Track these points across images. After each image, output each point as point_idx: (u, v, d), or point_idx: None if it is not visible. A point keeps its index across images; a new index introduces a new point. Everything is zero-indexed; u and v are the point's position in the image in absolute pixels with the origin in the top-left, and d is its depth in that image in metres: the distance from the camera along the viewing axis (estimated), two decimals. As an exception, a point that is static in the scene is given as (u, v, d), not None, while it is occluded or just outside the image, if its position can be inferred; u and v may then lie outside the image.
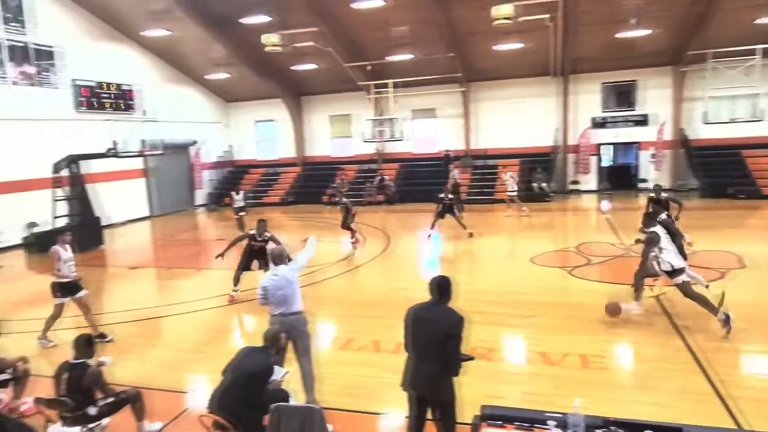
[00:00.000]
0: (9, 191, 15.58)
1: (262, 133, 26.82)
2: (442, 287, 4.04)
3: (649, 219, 7.53)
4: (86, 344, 4.82)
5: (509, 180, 18.00)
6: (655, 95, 20.94)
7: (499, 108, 22.40)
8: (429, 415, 4.15)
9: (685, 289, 6.95)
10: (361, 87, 22.09)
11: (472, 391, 5.42)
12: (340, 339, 7.39)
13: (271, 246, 8.69)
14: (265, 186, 24.89)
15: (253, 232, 9.45)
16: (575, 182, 22.16)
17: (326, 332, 7.97)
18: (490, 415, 3.80)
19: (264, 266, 9.20)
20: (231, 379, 4.31)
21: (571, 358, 6.29)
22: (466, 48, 19.87)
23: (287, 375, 5.14)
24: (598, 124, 21.72)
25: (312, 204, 22.30)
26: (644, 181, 21.51)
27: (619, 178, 22.31)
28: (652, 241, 7.01)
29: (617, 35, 17.70)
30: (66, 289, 7.68)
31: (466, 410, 4.80)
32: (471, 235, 13.71)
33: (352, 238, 13.95)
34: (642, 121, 21.25)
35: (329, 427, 4.08)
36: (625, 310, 7.32)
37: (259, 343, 4.54)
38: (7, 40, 15.85)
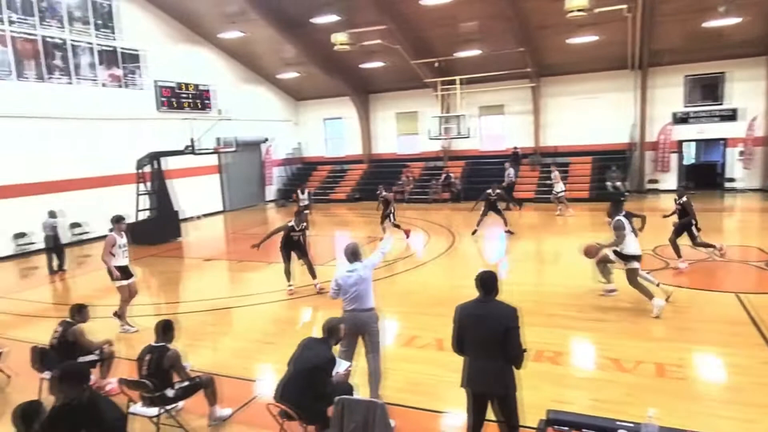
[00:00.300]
0: (98, 186, 16.80)
1: (330, 130, 27.34)
2: (490, 283, 4.03)
3: (615, 209, 8.09)
4: (166, 329, 5.13)
5: (555, 179, 17.74)
6: (744, 88, 19.43)
7: (571, 103, 21.62)
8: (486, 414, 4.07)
9: (632, 276, 7.66)
10: (428, 84, 22.00)
11: (538, 395, 5.29)
12: (404, 336, 7.41)
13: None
14: (332, 183, 25.36)
15: (292, 223, 9.70)
16: (653, 181, 21.00)
17: (390, 328, 8.01)
18: (556, 420, 3.70)
19: (302, 255, 9.76)
20: (294, 370, 4.44)
21: (646, 365, 5.98)
22: (537, 42, 19.31)
23: (351, 368, 5.23)
24: (680, 119, 20.44)
25: (378, 201, 22.46)
26: (732, 180, 20.08)
27: (703, 177, 20.92)
28: (619, 227, 7.67)
29: (703, 25, 16.57)
30: (123, 272, 8.22)
31: (531, 414, 4.69)
32: (511, 232, 13.65)
33: (406, 236, 13.95)
34: (730, 116, 19.79)
35: (391, 422, 4.10)
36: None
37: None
38: (98, 45, 17.07)
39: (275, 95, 25.84)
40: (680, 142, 20.72)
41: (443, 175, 22.18)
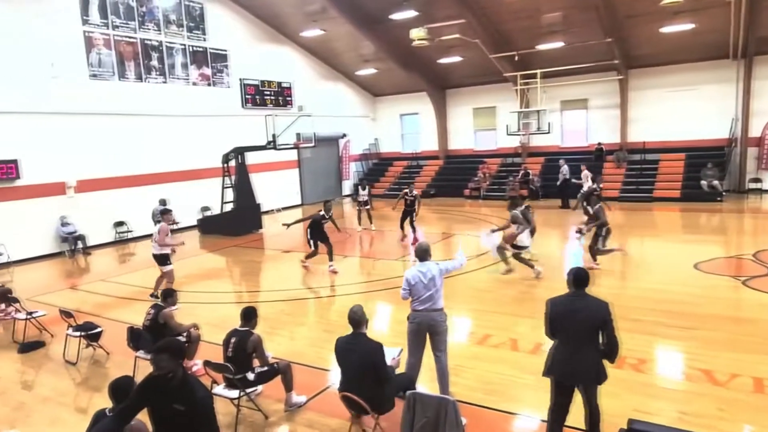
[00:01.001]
0: (188, 179, 17.89)
1: (407, 126, 27.42)
2: (584, 278, 4.27)
3: (512, 205, 10.08)
4: (250, 315, 5.40)
5: (585, 179, 17.21)
6: None
7: (662, 97, 20.28)
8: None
9: (516, 257, 9.84)
10: (507, 78, 21.48)
11: (618, 404, 5.04)
12: (477, 334, 7.30)
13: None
14: (407, 178, 25.42)
15: (322, 212, 11.17)
16: (756, 180, 19.28)
17: (464, 326, 7.94)
18: (638, 431, 3.52)
19: (325, 241, 11.15)
20: (353, 368, 4.55)
21: (742, 379, 5.52)
22: (625, 32, 18.27)
23: (402, 353, 5.39)
24: (790, 113, 18.62)
25: (453, 197, 22.30)
26: None
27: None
28: (516, 219, 9.61)
29: (820, 8, 15.00)
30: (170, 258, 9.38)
31: (611, 423, 4.49)
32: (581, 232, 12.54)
33: (413, 236, 13.87)
34: None
35: (463, 420, 4.06)
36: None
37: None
38: (190, 45, 18.12)
39: (353, 91, 26.26)
40: (789, 138, 18.88)
41: (521, 172, 21.59)
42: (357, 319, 4.64)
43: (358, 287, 10.08)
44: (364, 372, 4.48)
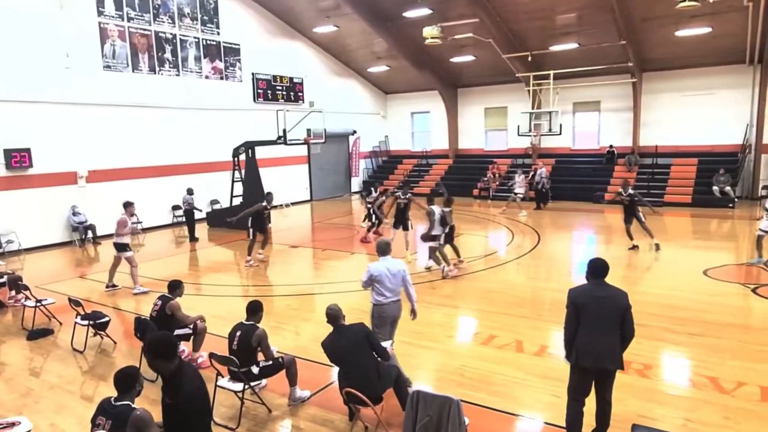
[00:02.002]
0: (199, 171, 17.98)
1: (417, 124, 27.36)
2: (603, 267, 4.44)
3: (429, 201, 10.56)
4: (256, 309, 5.44)
5: (520, 181, 18.29)
6: None
7: (675, 101, 20.09)
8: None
9: (432, 251, 10.24)
10: (520, 78, 21.36)
11: (623, 408, 5.02)
12: (483, 334, 7.28)
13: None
14: (417, 177, 25.38)
15: (264, 203, 11.53)
16: (768, 187, 19.07)
17: (469, 326, 7.93)
18: (642, 437, 3.50)
19: (263, 231, 11.77)
20: (351, 357, 4.69)
21: (749, 388, 5.47)
22: (640, 34, 18.11)
23: (392, 345, 5.57)
24: (805, 119, 18.37)
25: (462, 197, 22.23)
26: None
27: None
28: (430, 214, 10.04)
29: (839, 14, 14.78)
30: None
31: (615, 426, 4.47)
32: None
33: (366, 239, 13.82)
34: None
35: (465, 419, 4.06)
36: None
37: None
38: (203, 39, 18.19)
39: (364, 88, 26.24)
40: (804, 145, 18.63)
41: (531, 173, 21.48)
42: (335, 315, 4.93)
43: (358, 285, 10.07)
44: (360, 352, 4.67)
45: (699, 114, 19.68)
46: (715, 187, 18.19)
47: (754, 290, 8.84)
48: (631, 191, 11.92)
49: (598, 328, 4.24)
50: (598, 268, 4.44)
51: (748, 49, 17.45)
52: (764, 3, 14.77)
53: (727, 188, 18.00)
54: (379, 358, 4.84)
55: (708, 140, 19.73)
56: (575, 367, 4.36)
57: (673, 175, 19.70)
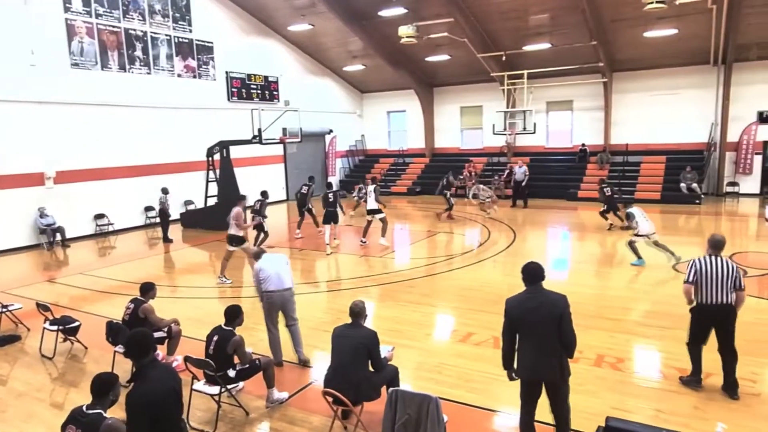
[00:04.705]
0: (172, 172, 17.68)
1: (394, 123, 27.41)
2: (537, 272, 4.20)
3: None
4: (234, 315, 5.33)
5: (475, 188, 18.82)
6: None
7: (644, 100, 20.57)
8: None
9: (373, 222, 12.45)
10: (494, 78, 21.58)
11: (596, 401, 5.13)
12: (460, 332, 7.34)
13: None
14: (394, 175, 25.45)
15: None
16: (733, 184, 19.68)
17: (446, 323, 7.98)
18: (615, 428, 3.58)
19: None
20: (349, 354, 4.60)
21: (716, 378, 5.63)
22: (610, 35, 18.49)
23: (394, 350, 5.47)
24: (767, 118, 18.99)
25: (438, 195, 22.34)
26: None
27: (791, 182, 19.40)
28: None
29: (798, 16, 15.32)
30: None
31: (589, 420, 4.57)
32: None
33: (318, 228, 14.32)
34: (825, 116, 18.21)
35: (444, 417, 4.09)
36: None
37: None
38: (175, 37, 17.89)
39: (340, 87, 26.16)
40: (765, 143, 19.27)
41: (506, 171, 21.73)
42: (357, 311, 4.81)
43: (343, 283, 10.07)
44: (357, 356, 4.58)
45: (667, 113, 20.19)
46: (682, 184, 18.70)
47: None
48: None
49: (535, 343, 4.09)
50: (531, 273, 4.19)
51: (712, 51, 17.96)
52: (727, 6, 15.21)
53: (694, 185, 18.53)
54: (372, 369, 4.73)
55: (675, 139, 20.25)
56: (522, 384, 4.25)
57: (643, 173, 20.17)
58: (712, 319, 5.37)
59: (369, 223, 13.32)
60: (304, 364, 6.29)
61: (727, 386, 5.30)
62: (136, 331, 3.72)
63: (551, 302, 4.10)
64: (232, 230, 10.14)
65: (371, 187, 13.35)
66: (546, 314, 4.05)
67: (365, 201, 13.82)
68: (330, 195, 12.92)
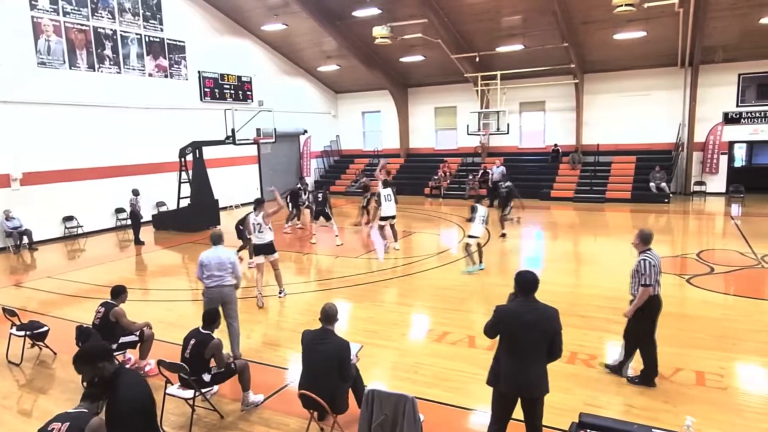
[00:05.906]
0: (144, 173, 17.35)
1: (368, 123, 27.41)
2: (533, 283, 3.98)
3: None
4: (212, 319, 5.24)
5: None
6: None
7: (615, 101, 21.01)
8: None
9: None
10: (468, 79, 21.77)
11: (570, 398, 5.22)
12: (436, 331, 7.38)
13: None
14: (369, 176, 25.39)
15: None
16: (700, 183, 20.25)
17: (422, 323, 8.01)
18: (588, 424, 3.65)
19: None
20: (321, 363, 4.49)
21: (685, 373, 5.80)
22: (581, 37, 18.83)
23: (362, 349, 5.41)
24: (732, 119, 19.58)
25: (413, 195, 22.45)
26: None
27: (755, 181, 20.04)
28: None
29: (761, 21, 15.82)
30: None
31: (563, 417, 4.64)
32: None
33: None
34: (786, 117, 18.86)
35: (420, 416, 4.10)
36: None
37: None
38: (146, 36, 17.56)
39: (315, 87, 26.04)
40: (731, 144, 19.88)
41: (480, 171, 21.95)
42: (331, 315, 4.65)
43: (316, 285, 10.04)
44: (329, 369, 4.45)
45: (636, 114, 20.66)
46: (651, 184, 19.16)
47: (688, 280, 9.35)
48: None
49: (525, 357, 3.89)
50: (526, 283, 3.97)
51: (680, 53, 18.45)
52: (693, 9, 15.64)
53: (663, 184, 19.00)
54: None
55: (645, 139, 20.73)
56: (496, 391, 4.05)
57: (614, 173, 20.60)
58: (659, 309, 5.66)
59: (392, 227, 12.34)
60: (235, 358, 5.93)
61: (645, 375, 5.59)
62: (87, 347, 3.67)
63: (547, 318, 3.91)
64: (267, 237, 9.14)
65: (387, 191, 12.09)
66: (541, 330, 3.87)
67: (379, 205, 12.70)
68: (319, 194, 13.30)
